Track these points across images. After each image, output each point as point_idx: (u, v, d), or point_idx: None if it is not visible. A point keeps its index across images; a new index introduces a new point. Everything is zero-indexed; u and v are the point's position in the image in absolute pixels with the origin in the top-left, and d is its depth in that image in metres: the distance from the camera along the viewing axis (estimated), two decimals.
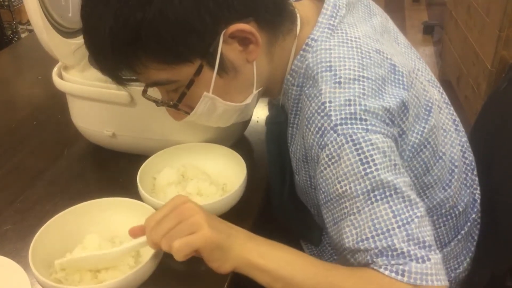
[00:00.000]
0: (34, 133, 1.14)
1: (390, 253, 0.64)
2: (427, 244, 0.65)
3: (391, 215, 0.64)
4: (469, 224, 0.89)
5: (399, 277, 0.63)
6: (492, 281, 0.96)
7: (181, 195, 0.71)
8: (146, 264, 0.69)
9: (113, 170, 1.00)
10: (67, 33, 0.99)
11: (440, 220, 0.84)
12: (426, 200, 0.81)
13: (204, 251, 0.65)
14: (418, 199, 0.67)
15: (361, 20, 0.79)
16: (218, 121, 0.82)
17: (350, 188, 0.66)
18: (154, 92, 0.82)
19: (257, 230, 0.83)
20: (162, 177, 0.89)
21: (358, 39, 0.73)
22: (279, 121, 0.84)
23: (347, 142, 0.66)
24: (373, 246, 0.64)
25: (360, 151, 0.65)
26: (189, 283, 0.76)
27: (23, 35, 3.13)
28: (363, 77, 0.69)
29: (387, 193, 0.65)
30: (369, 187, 0.65)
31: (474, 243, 0.92)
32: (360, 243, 0.65)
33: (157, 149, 0.93)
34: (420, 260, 0.63)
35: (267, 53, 0.76)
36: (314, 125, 0.69)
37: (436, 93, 0.83)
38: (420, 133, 0.74)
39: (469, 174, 0.89)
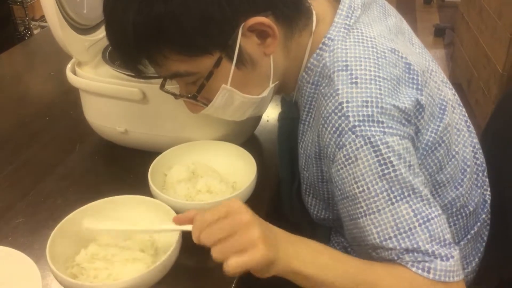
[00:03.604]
0: (46, 128, 1.15)
1: (415, 252, 0.67)
2: (447, 242, 0.68)
3: (411, 214, 0.67)
4: (479, 224, 0.89)
5: (425, 273, 0.67)
6: (501, 284, 0.96)
7: (236, 200, 0.68)
8: (162, 263, 0.70)
9: (125, 166, 1.01)
10: (82, 30, 1.00)
11: (451, 220, 0.85)
12: (438, 198, 0.81)
13: (257, 268, 0.65)
14: (432, 199, 0.69)
15: (376, 20, 0.80)
16: (233, 115, 0.83)
17: (368, 188, 0.68)
18: (170, 85, 0.83)
19: None
20: (172, 174, 0.90)
21: (374, 39, 0.74)
22: (292, 116, 0.85)
23: (366, 144, 0.67)
24: (397, 245, 0.68)
25: (378, 153, 0.67)
26: (198, 278, 0.76)
27: (35, 31, 3.15)
28: (379, 77, 0.70)
29: (406, 193, 0.67)
30: (387, 187, 0.67)
31: (484, 244, 0.92)
32: (384, 242, 0.68)
33: (168, 146, 0.94)
34: (444, 258, 0.67)
35: (284, 48, 0.77)
36: (331, 125, 0.70)
37: (449, 93, 0.84)
38: (434, 131, 0.75)
39: (480, 174, 0.90)
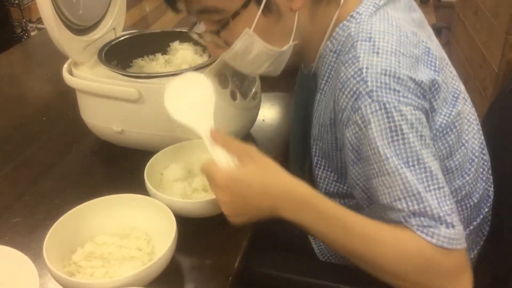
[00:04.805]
0: (43, 129, 1.16)
1: (422, 215, 0.69)
2: (452, 211, 0.70)
3: (417, 183, 0.70)
4: (481, 216, 0.92)
5: (429, 238, 0.69)
6: (495, 280, 0.97)
7: (219, 169, 0.75)
8: (158, 261, 0.70)
9: (121, 166, 1.01)
10: (78, 30, 1.00)
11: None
12: None
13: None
14: (438, 170, 0.72)
15: (401, 11, 0.83)
16: (250, 66, 0.86)
17: (379, 152, 0.71)
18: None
19: (261, 227, 0.85)
20: (169, 173, 0.91)
21: (398, 20, 0.78)
22: (308, 88, 0.88)
23: (380, 109, 0.70)
24: (405, 207, 0.70)
25: (390, 119, 0.70)
26: (195, 276, 0.77)
27: (32, 33, 3.15)
28: (400, 52, 0.73)
29: (410, 163, 0.70)
30: (394, 154, 0.70)
31: (483, 238, 0.94)
32: (394, 203, 0.71)
33: (165, 145, 0.94)
34: (449, 226, 0.69)
35: (310, 11, 0.81)
36: (349, 89, 0.72)
37: (461, 87, 0.87)
38: (447, 115, 0.79)
39: (486, 169, 0.92)
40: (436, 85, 0.76)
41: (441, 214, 0.69)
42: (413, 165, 0.70)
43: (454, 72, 0.89)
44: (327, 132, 0.84)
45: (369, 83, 0.71)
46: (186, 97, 0.84)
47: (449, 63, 0.88)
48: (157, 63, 1.11)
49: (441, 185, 0.71)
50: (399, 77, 0.71)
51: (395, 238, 0.71)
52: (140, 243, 0.78)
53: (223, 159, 0.76)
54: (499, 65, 2.02)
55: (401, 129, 0.70)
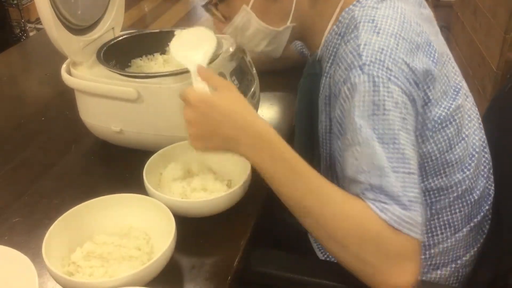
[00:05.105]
0: (42, 129, 1.16)
1: (380, 191, 0.68)
2: (412, 198, 0.69)
3: (385, 159, 0.69)
4: (482, 214, 0.92)
5: (380, 212, 0.68)
6: (495, 280, 0.97)
7: (194, 93, 0.76)
8: (157, 260, 0.70)
9: (120, 166, 1.01)
10: (77, 30, 1.00)
11: (456, 206, 0.87)
12: (444, 178, 0.84)
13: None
14: (412, 158, 0.71)
15: (410, 4, 0.83)
16: (249, 42, 0.92)
17: (355, 122, 0.71)
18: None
19: (261, 226, 0.85)
20: (168, 173, 0.91)
21: (404, 9, 0.79)
22: (314, 72, 0.89)
23: (369, 81, 0.71)
24: (367, 179, 0.69)
25: (376, 93, 0.70)
26: (193, 276, 0.77)
27: (31, 34, 3.15)
28: (400, 36, 0.74)
29: (385, 140, 0.69)
30: (371, 127, 0.70)
31: (484, 236, 0.94)
32: (357, 174, 0.71)
33: (163, 145, 0.94)
34: (405, 208, 0.68)
35: None
36: (345, 63, 0.74)
37: (464, 84, 0.88)
38: (447, 108, 0.79)
39: (487, 167, 0.92)
40: (430, 76, 0.76)
41: (401, 195, 0.68)
42: (387, 143, 0.69)
43: (457, 68, 0.89)
44: (323, 112, 0.85)
45: (363, 57, 0.71)
46: (189, 43, 0.88)
47: (452, 59, 0.89)
48: (155, 63, 1.11)
49: (411, 171, 0.70)
50: (394, 58, 0.72)
51: (346, 203, 0.71)
52: (139, 243, 0.78)
53: (201, 84, 0.78)
54: (498, 64, 2.02)
55: (384, 105, 0.70)
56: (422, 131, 0.79)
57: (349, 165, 0.72)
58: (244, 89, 1.02)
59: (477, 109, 0.93)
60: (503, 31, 1.96)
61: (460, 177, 0.85)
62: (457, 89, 0.82)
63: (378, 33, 0.73)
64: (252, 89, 1.05)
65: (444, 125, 0.80)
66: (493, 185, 0.94)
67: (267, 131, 0.74)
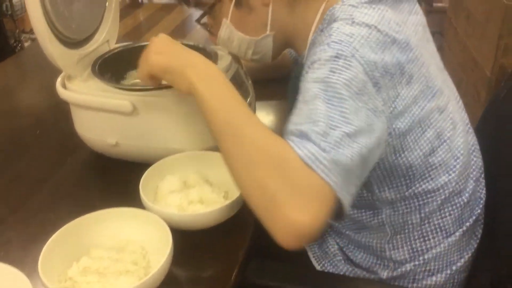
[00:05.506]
0: (37, 142, 1.16)
1: (305, 138, 0.66)
2: (338, 150, 0.65)
3: (325, 116, 0.67)
4: (474, 218, 0.92)
5: (297, 148, 0.65)
6: (493, 286, 0.97)
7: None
8: (154, 275, 0.70)
9: (116, 179, 1.01)
10: (71, 44, 1.00)
11: (446, 210, 0.88)
12: (431, 181, 0.85)
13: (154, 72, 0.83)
14: (356, 121, 0.68)
15: (397, 11, 0.83)
16: (237, 52, 1.00)
17: (309, 83, 0.71)
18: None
19: (258, 238, 0.84)
20: (164, 185, 0.90)
21: (386, 11, 0.79)
22: (301, 73, 0.88)
23: (332, 53, 0.71)
24: (295, 128, 0.68)
25: (335, 63, 0.71)
26: None
27: (26, 44, 3.15)
28: (376, 27, 0.76)
29: (331, 102, 0.68)
30: (322, 90, 0.69)
31: (477, 241, 0.95)
32: (291, 125, 0.69)
33: (159, 157, 0.94)
34: (324, 150, 0.64)
35: (287, 5, 0.90)
36: (319, 48, 0.74)
37: (448, 89, 0.90)
38: (421, 108, 0.80)
39: (477, 170, 0.93)
40: (401, 70, 0.76)
41: (325, 144, 0.65)
42: (333, 105, 0.68)
43: (446, 76, 0.91)
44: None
45: (333, 37, 0.73)
46: None
47: (439, 64, 0.91)
48: None
49: (350, 134, 0.67)
50: (363, 44, 0.72)
51: (271, 135, 0.69)
52: (136, 257, 0.78)
53: None
54: (492, 70, 2.03)
55: (340, 74, 0.69)
56: (401, 139, 0.79)
57: (290, 120, 0.70)
58: None
59: (465, 113, 0.93)
60: (497, 37, 1.97)
61: (446, 179, 0.86)
62: (433, 92, 0.83)
63: (352, 23, 0.75)
64: (248, 100, 1.06)
65: (422, 129, 0.81)
66: (484, 189, 0.95)
67: (221, 75, 0.79)
